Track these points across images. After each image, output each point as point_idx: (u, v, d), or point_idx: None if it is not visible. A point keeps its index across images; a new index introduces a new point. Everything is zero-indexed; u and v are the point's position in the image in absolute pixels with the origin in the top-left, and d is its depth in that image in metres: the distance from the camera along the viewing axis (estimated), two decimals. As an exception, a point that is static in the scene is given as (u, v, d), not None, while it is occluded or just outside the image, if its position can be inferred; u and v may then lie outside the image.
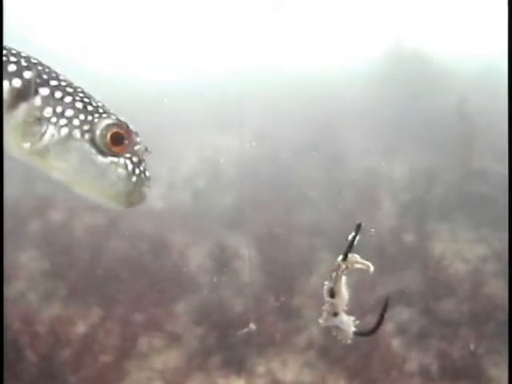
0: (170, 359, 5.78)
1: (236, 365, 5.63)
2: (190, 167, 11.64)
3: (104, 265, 6.95)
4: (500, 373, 5.42)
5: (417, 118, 13.42)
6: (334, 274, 1.69)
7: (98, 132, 1.54)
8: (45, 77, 1.59)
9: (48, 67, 1.64)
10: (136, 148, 1.60)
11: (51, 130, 1.54)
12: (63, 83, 1.61)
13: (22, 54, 1.62)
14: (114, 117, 1.58)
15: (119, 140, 1.56)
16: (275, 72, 21.63)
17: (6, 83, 1.53)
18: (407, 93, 14.58)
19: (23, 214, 8.71)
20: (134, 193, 1.60)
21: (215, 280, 7.11)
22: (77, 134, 1.55)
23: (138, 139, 1.60)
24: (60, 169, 1.57)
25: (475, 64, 18.07)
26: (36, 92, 1.55)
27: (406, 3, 33.88)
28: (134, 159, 1.59)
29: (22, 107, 1.53)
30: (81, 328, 5.59)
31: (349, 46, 29.34)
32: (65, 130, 1.55)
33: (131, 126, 1.59)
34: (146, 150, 1.63)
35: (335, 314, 1.71)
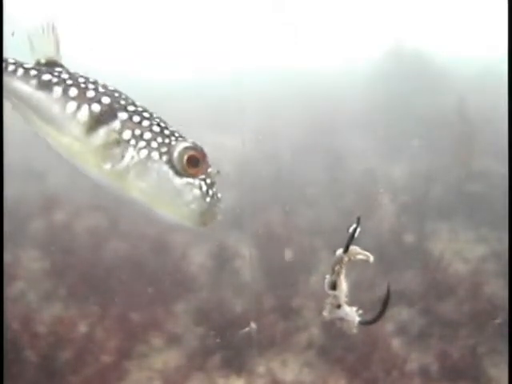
0: (169, 359, 5.78)
1: (236, 365, 5.63)
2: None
3: (104, 265, 6.95)
4: (500, 373, 5.42)
5: (417, 118, 13.42)
6: (337, 267, 1.73)
7: (175, 154, 1.63)
8: (122, 102, 1.68)
9: (125, 94, 1.73)
10: (209, 170, 1.69)
11: (131, 151, 1.62)
12: (140, 109, 1.70)
13: (100, 83, 1.73)
14: (190, 140, 1.67)
15: (195, 162, 1.64)
16: (275, 72, 21.63)
17: (85, 107, 1.63)
18: (407, 93, 14.57)
19: (24, 214, 8.71)
20: (208, 213, 1.70)
21: (215, 280, 7.11)
22: (155, 155, 1.63)
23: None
24: (139, 189, 1.64)
25: (475, 64, 18.07)
26: (115, 116, 1.63)
27: (406, 4, 33.89)
28: (208, 181, 1.68)
29: (102, 130, 1.61)
30: (81, 328, 5.59)
31: (349, 46, 29.34)
32: (144, 152, 1.63)
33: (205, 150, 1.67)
34: (218, 172, 1.72)
35: (338, 306, 1.75)
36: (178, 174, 1.63)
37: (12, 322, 5.15)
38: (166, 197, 1.65)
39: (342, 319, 1.75)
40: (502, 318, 5.65)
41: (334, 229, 7.96)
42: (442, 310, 6.38)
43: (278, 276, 6.99)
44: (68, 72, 1.75)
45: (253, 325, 5.34)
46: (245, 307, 6.34)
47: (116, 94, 1.70)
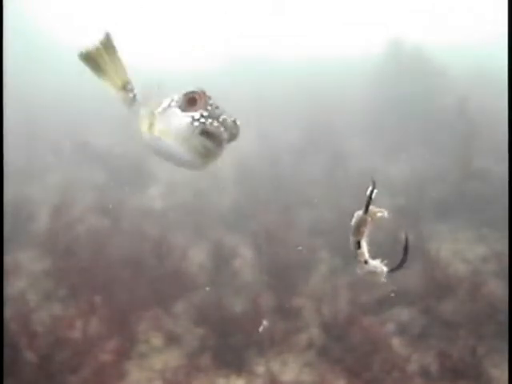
0: (169, 359, 5.78)
1: (236, 365, 5.63)
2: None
3: (104, 264, 6.94)
4: (500, 373, 5.42)
5: (417, 118, 13.41)
6: (361, 228, 1.93)
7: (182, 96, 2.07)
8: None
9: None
10: (208, 106, 2.05)
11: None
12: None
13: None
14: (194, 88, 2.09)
15: (193, 101, 2.06)
16: (275, 73, 21.62)
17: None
18: (407, 92, 14.56)
19: (24, 214, 8.71)
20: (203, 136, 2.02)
21: (215, 280, 7.11)
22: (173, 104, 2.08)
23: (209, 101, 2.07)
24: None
25: (475, 63, 18.07)
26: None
27: (406, 2, 33.88)
28: (204, 113, 2.03)
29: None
30: (80, 328, 5.58)
31: (349, 46, 29.33)
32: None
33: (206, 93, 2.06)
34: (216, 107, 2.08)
35: (365, 262, 1.94)
36: (182, 110, 2.04)
37: (11, 322, 5.15)
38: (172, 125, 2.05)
39: (373, 272, 1.95)
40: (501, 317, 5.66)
41: (334, 229, 7.96)
42: (442, 310, 6.38)
43: (278, 276, 6.99)
44: None
45: (265, 322, 5.38)
46: (244, 307, 6.34)
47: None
